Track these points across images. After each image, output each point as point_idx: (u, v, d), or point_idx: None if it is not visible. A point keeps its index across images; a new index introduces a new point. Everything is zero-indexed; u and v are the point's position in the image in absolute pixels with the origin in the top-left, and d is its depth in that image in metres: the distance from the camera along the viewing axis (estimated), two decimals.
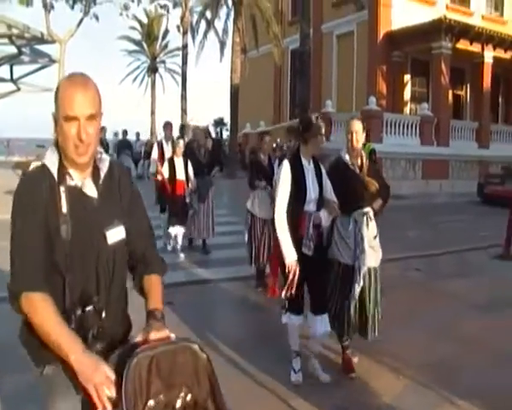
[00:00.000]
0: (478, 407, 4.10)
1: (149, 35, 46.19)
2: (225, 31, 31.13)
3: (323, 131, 4.54)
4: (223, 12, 31.25)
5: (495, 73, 25.21)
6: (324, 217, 4.38)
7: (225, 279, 7.93)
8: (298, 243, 4.23)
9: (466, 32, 22.79)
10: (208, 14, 31.25)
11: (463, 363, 4.95)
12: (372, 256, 4.61)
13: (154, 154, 10.12)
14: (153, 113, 45.40)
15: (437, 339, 5.53)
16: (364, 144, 14.06)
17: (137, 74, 50.05)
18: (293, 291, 4.20)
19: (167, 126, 10.41)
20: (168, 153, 9.65)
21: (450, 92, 24.85)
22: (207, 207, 9.27)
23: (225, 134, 43.84)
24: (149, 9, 43.53)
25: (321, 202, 4.43)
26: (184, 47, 37.15)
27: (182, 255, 9.03)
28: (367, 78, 24.24)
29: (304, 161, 4.44)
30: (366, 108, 20.39)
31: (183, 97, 33.25)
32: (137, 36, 47.60)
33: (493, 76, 25.02)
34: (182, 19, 38.31)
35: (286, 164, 4.39)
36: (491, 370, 4.81)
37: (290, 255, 4.16)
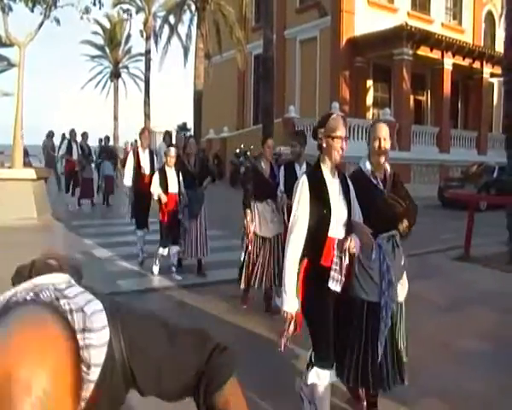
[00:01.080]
0: (439, 406, 4.12)
1: (112, 40, 45.67)
2: (189, 36, 30.99)
3: (342, 131, 3.55)
4: (186, 17, 31.12)
5: (454, 80, 25.77)
6: (357, 244, 3.48)
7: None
8: (321, 275, 3.47)
9: (426, 39, 23.24)
10: (171, 19, 31.02)
11: (425, 363, 4.93)
12: (400, 290, 3.83)
13: (130, 164, 8.92)
14: (115, 118, 44.94)
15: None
16: None
17: (100, 79, 49.54)
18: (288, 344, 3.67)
19: (144, 133, 9.26)
20: (145, 162, 8.86)
21: (412, 98, 25.29)
22: (200, 224, 8.05)
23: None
24: (112, 14, 43.26)
25: (349, 226, 3.58)
26: (147, 52, 36.94)
27: (178, 277, 7.94)
28: (330, 83, 24.40)
29: (326, 174, 3.55)
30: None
31: (146, 103, 33.03)
32: (100, 41, 47.12)
33: (453, 82, 25.53)
34: (145, 24, 38.13)
35: (304, 181, 3.50)
36: (453, 369, 4.82)
37: (290, 304, 3.49)
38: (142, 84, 38.36)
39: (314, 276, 3.47)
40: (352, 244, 3.43)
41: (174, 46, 55.52)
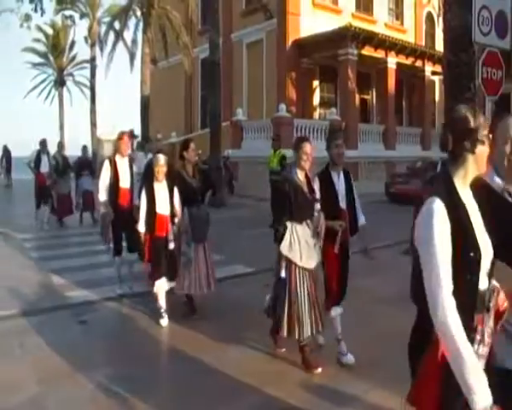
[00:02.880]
0: (393, 398, 4.16)
1: (56, 47, 44.79)
2: (135, 42, 30.70)
3: None
4: (132, 22, 30.85)
5: (398, 78, 26.32)
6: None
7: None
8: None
9: (370, 39, 23.65)
10: (117, 24, 30.62)
11: (379, 358, 5.07)
12: None
13: (105, 176, 7.33)
14: (61, 127, 44.01)
15: (351, 336, 5.62)
16: (275, 150, 14.41)
17: (44, 88, 48.55)
18: None
19: (122, 138, 7.54)
20: (125, 174, 7.44)
21: (358, 97, 25.65)
22: (206, 250, 6.55)
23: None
24: (55, 21, 42.49)
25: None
26: (93, 59, 36.46)
27: (165, 321, 6.27)
28: (277, 85, 24.53)
29: (465, 195, 2.27)
30: (276, 115, 20.69)
31: (93, 111, 32.54)
32: (43, 48, 46.16)
33: (397, 81, 26.09)
34: (89, 30, 37.65)
35: (437, 206, 2.15)
36: (402, 361, 4.91)
37: (482, 394, 2.03)
38: (88, 92, 37.81)
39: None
40: (502, 298, 2.30)
41: (120, 52, 55.00)
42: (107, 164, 7.39)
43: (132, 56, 30.91)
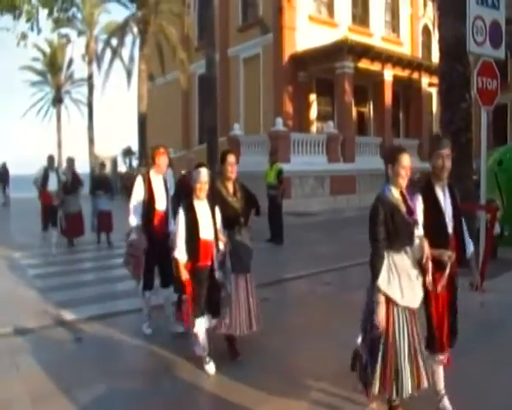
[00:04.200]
0: None
1: (53, 65, 44.95)
2: (131, 58, 30.81)
3: None
4: (128, 39, 30.97)
5: (395, 91, 26.35)
6: None
7: None
8: None
9: (367, 52, 23.71)
10: (114, 41, 30.75)
11: None
12: None
13: (138, 196, 6.17)
14: (59, 146, 44.02)
15: (344, 348, 5.50)
16: (272, 164, 14.33)
17: (42, 106, 48.68)
18: None
19: (158, 151, 6.33)
20: (160, 193, 6.27)
21: (355, 110, 25.71)
22: (248, 283, 5.53)
23: (135, 163, 42.70)
24: (52, 39, 42.67)
25: None
26: (90, 76, 36.55)
27: (212, 367, 5.16)
28: (274, 99, 24.53)
29: None
30: (273, 130, 20.62)
31: (90, 128, 32.56)
32: (41, 66, 46.32)
33: (393, 93, 26.10)
34: (87, 47, 37.77)
35: None
36: None
37: None
38: (86, 110, 37.89)
39: None
40: None
41: (117, 69, 54.99)
42: (139, 181, 6.24)
43: (129, 73, 30.97)
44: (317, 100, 26.01)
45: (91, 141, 33.29)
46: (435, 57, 27.00)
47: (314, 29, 24.81)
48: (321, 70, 24.31)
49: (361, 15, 28.02)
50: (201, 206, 5.15)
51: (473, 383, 4.71)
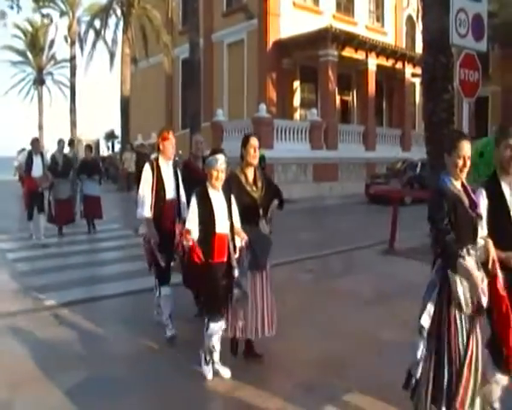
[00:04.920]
0: (367, 399, 4.15)
1: (34, 45, 44.27)
2: (115, 41, 30.52)
3: None
4: (112, 21, 30.79)
5: (378, 80, 26.52)
6: None
7: None
8: None
9: (351, 40, 23.79)
10: (97, 23, 30.38)
11: (352, 357, 5.03)
12: None
13: (147, 184, 5.61)
14: (40, 127, 43.47)
15: (326, 336, 5.58)
16: None
17: (23, 86, 48.02)
18: None
19: (165, 135, 5.72)
20: (170, 182, 5.72)
21: (338, 98, 25.78)
22: (266, 281, 4.92)
23: (117, 147, 42.23)
24: (33, 18, 42.06)
25: None
26: (72, 58, 36.12)
27: (227, 372, 4.71)
28: (257, 85, 24.54)
29: None
30: (256, 116, 20.67)
31: (72, 110, 32.20)
32: (21, 46, 45.64)
33: (377, 82, 26.28)
34: (69, 29, 37.29)
35: None
36: (379, 361, 4.88)
37: None
38: (68, 91, 37.47)
39: None
40: None
41: (100, 51, 54.58)
42: (147, 169, 5.66)
43: (112, 56, 30.70)
44: (301, 87, 26.03)
45: (74, 124, 32.94)
46: (419, 48, 27.17)
47: (298, 16, 24.78)
48: (305, 57, 24.32)
49: (345, 4, 28.07)
50: (216, 196, 4.61)
51: None
